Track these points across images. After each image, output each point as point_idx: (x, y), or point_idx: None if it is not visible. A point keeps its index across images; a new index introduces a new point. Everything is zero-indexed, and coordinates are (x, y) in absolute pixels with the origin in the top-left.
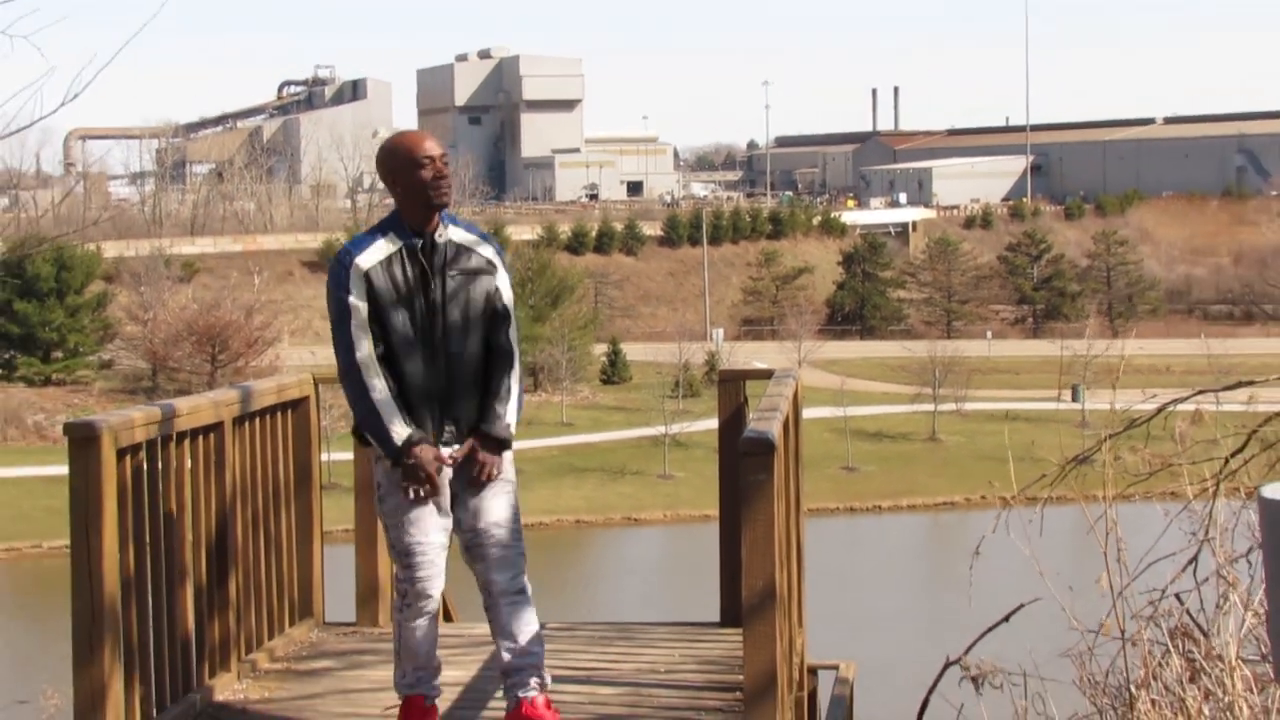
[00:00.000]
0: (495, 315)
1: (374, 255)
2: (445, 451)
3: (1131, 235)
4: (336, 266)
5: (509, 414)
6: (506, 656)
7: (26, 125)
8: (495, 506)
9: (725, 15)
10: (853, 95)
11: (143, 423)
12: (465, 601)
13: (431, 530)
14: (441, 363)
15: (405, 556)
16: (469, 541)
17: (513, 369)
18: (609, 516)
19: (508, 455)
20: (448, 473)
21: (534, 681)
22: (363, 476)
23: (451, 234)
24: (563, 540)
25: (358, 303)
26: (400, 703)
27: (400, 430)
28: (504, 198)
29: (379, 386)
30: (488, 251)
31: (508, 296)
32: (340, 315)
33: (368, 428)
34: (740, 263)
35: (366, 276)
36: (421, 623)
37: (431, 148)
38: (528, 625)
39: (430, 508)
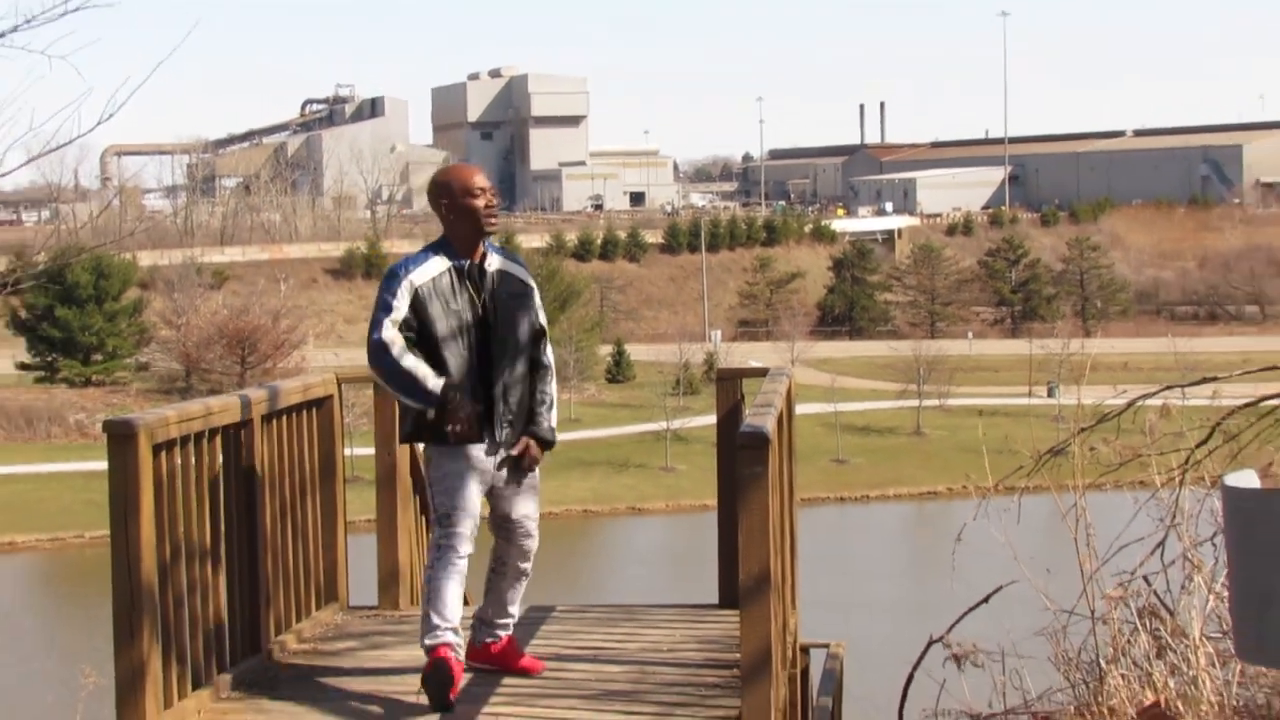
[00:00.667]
0: (537, 334)
1: (428, 272)
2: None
3: (1103, 241)
4: (391, 278)
5: (553, 419)
6: (497, 617)
7: (66, 143)
8: (527, 502)
9: (722, 36)
10: (842, 110)
11: (177, 420)
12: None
13: (470, 501)
14: (490, 375)
15: (445, 518)
16: (500, 524)
17: (552, 379)
18: (614, 506)
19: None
20: (492, 462)
21: (504, 635)
22: (383, 470)
23: (495, 260)
24: (571, 529)
25: (401, 304)
26: (427, 667)
27: (435, 381)
28: (514, 208)
29: (409, 357)
30: (525, 275)
31: (543, 317)
32: (384, 306)
33: (405, 387)
34: (736, 268)
35: (416, 291)
36: (454, 575)
37: (483, 180)
38: (521, 599)
39: (474, 485)
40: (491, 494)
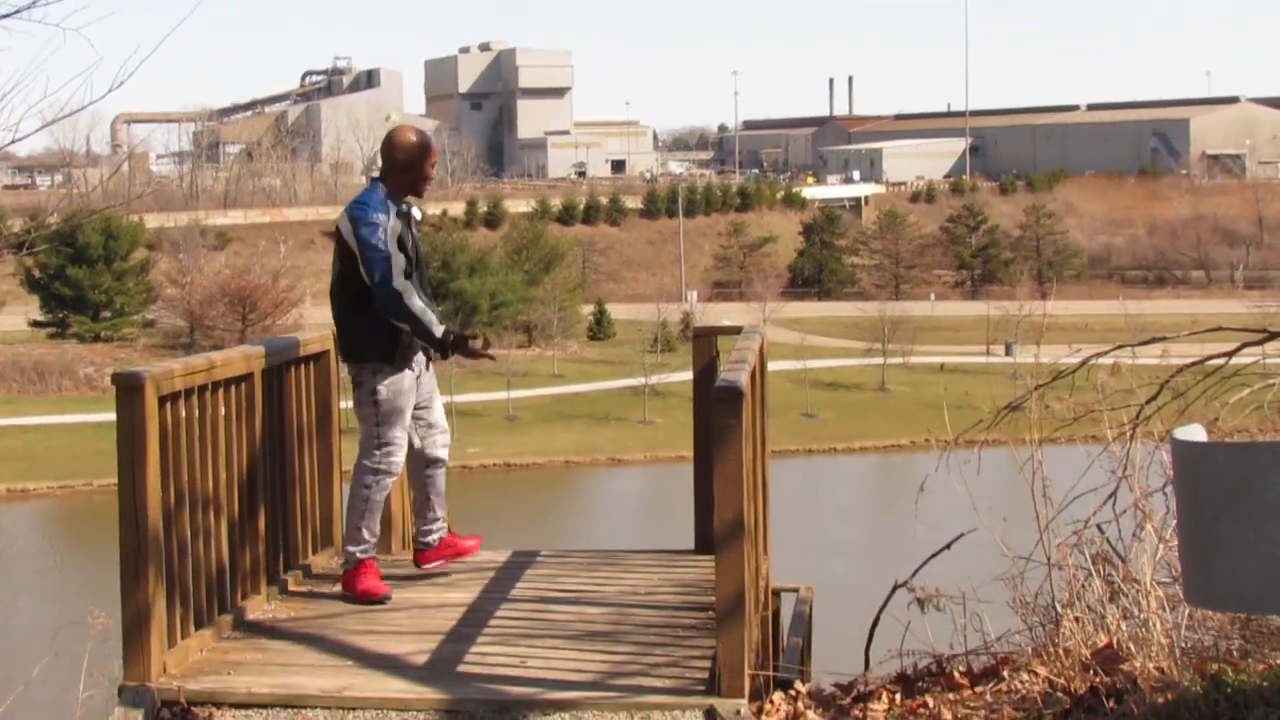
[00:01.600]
0: None
1: (393, 218)
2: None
3: (1058, 209)
4: (375, 227)
5: None
6: (440, 509)
7: (78, 110)
8: (440, 409)
9: (699, 11)
10: (812, 84)
11: (182, 373)
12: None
13: (404, 429)
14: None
15: (387, 445)
16: (427, 431)
17: None
18: (595, 457)
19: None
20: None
21: (447, 527)
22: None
23: (408, 206)
24: (554, 479)
25: (397, 252)
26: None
27: (439, 327)
28: (502, 175)
29: (417, 301)
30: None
31: None
32: (385, 256)
33: (418, 330)
34: (712, 233)
35: (397, 238)
36: (386, 493)
37: (437, 149)
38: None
39: (408, 414)
40: (416, 409)
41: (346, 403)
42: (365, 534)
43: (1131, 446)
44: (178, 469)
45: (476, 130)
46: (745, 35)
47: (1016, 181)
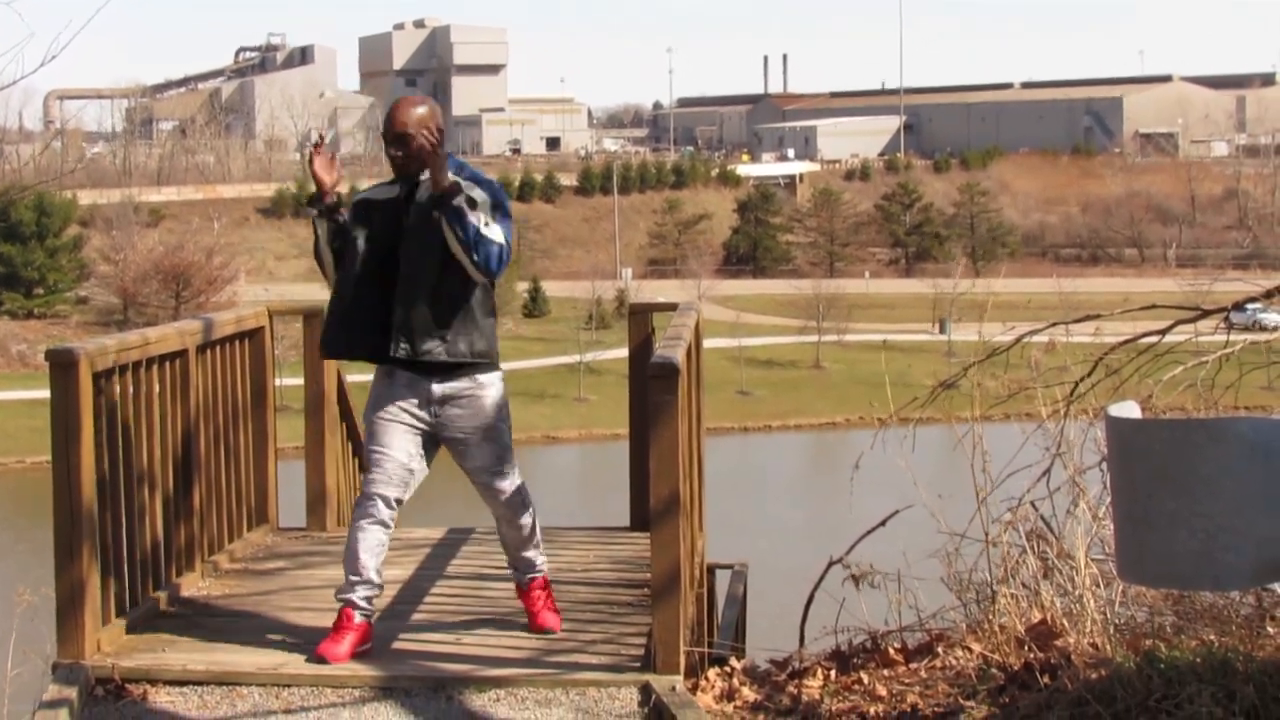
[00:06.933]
0: None
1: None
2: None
3: (992, 187)
4: (504, 188)
5: None
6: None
7: (9, 85)
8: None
9: None
10: (747, 61)
11: (116, 349)
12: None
13: (394, 445)
14: None
15: (369, 462)
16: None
17: None
18: (530, 435)
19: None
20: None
21: (525, 578)
22: (312, 397)
23: None
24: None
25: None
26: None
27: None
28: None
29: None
30: None
31: None
32: (508, 214)
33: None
34: (646, 210)
35: None
36: (364, 524)
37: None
38: (529, 545)
39: (401, 427)
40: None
41: (281, 380)
42: (347, 573)
43: (1065, 423)
44: (112, 446)
45: None
46: (680, 12)
47: (951, 159)
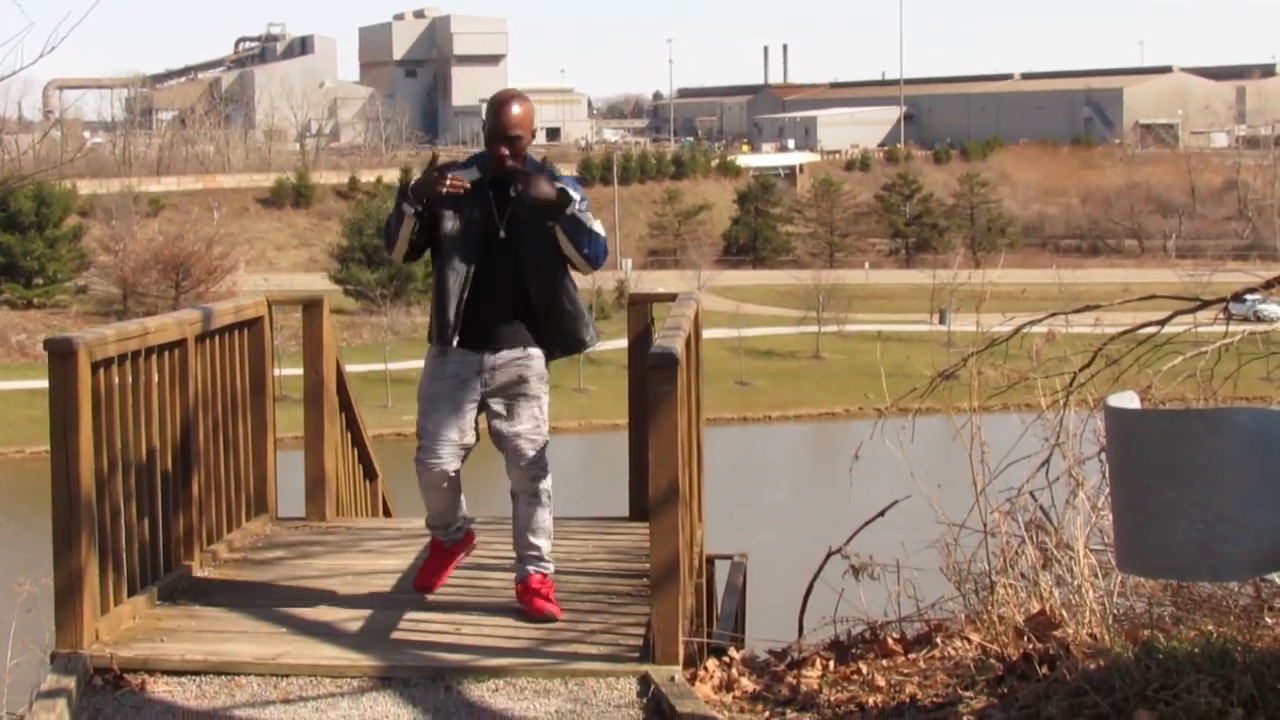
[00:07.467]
0: None
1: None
2: None
3: (992, 177)
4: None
5: None
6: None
7: (9, 75)
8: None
9: None
10: (747, 52)
11: (115, 339)
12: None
13: (445, 425)
14: None
15: (419, 437)
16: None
17: None
18: None
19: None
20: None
21: (526, 571)
22: (312, 387)
23: None
24: (488, 446)
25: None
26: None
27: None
28: (437, 142)
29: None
30: None
31: None
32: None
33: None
34: (647, 200)
35: None
36: (431, 483)
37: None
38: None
39: (451, 403)
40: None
41: (279, 370)
42: (427, 515)
43: (1065, 414)
44: (110, 435)
45: (411, 97)
46: (680, 3)
47: (951, 150)
